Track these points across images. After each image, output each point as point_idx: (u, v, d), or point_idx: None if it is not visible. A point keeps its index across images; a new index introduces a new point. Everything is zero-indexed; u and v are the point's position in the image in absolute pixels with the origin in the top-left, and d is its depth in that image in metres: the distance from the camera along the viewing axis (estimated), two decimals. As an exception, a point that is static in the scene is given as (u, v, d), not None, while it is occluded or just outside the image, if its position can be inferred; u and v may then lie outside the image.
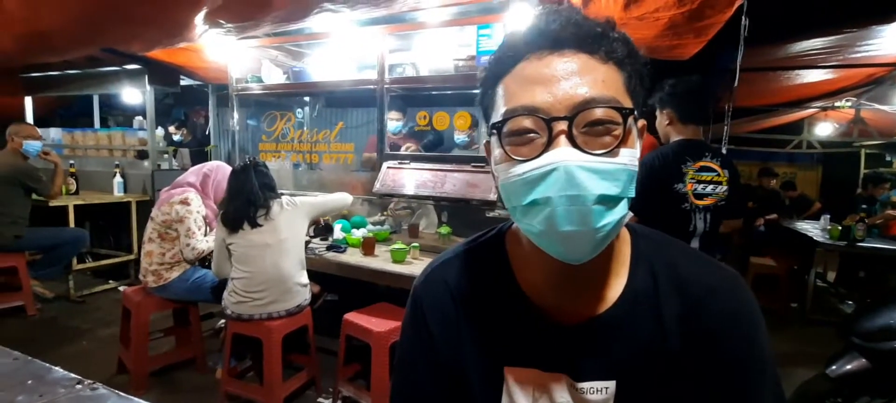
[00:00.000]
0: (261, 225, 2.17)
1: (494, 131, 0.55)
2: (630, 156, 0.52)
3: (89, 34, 2.84)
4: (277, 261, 2.17)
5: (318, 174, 3.33)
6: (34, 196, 3.51)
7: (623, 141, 0.51)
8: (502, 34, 2.46)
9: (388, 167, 2.85)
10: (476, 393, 0.64)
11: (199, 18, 2.51)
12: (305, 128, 3.75)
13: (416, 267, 2.27)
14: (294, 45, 3.32)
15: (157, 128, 4.45)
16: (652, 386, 0.58)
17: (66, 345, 3.04)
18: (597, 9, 2.42)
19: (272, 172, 2.31)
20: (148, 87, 4.14)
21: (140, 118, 4.73)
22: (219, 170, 2.71)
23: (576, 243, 0.51)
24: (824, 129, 6.88)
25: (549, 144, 0.51)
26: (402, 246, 2.35)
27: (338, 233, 2.75)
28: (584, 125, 0.50)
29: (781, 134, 7.11)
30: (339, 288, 2.82)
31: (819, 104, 6.06)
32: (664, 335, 0.58)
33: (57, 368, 0.86)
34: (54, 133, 4.91)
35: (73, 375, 0.83)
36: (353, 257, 2.44)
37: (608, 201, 0.50)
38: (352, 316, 2.24)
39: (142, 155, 4.39)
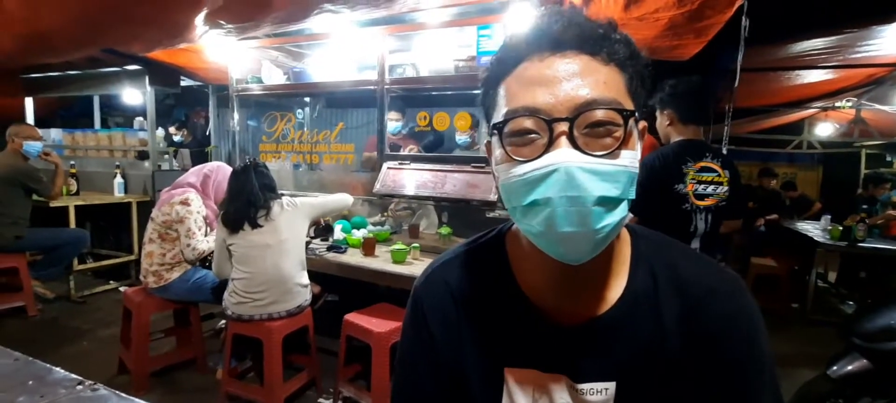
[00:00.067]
0: (261, 226, 2.17)
1: (495, 131, 0.55)
2: (631, 158, 0.52)
3: (90, 34, 2.84)
4: (278, 262, 2.17)
5: (318, 175, 3.33)
6: (35, 196, 3.51)
7: (624, 142, 0.51)
8: (502, 35, 2.46)
9: (389, 167, 2.85)
10: (476, 394, 0.64)
11: (200, 19, 2.52)
12: (306, 129, 3.75)
13: (416, 267, 2.27)
14: (294, 45, 3.32)
15: (157, 128, 4.45)
16: (652, 387, 0.58)
17: (66, 346, 3.04)
18: (597, 9, 2.42)
19: (272, 173, 2.31)
20: (148, 88, 4.14)
21: (140, 119, 4.72)
22: (219, 170, 2.71)
23: (575, 244, 0.51)
24: (825, 130, 6.87)
25: (550, 145, 0.51)
26: (403, 246, 2.35)
27: (338, 234, 2.75)
28: (585, 126, 0.50)
29: (782, 134, 7.09)
30: (339, 288, 2.81)
31: (819, 104, 6.05)
32: (664, 336, 0.58)
33: (58, 369, 0.86)
34: (55, 134, 4.90)
35: (73, 376, 0.83)
36: (354, 257, 2.44)
37: (608, 202, 0.50)
38: (352, 317, 2.24)
39: (142, 155, 4.39)
